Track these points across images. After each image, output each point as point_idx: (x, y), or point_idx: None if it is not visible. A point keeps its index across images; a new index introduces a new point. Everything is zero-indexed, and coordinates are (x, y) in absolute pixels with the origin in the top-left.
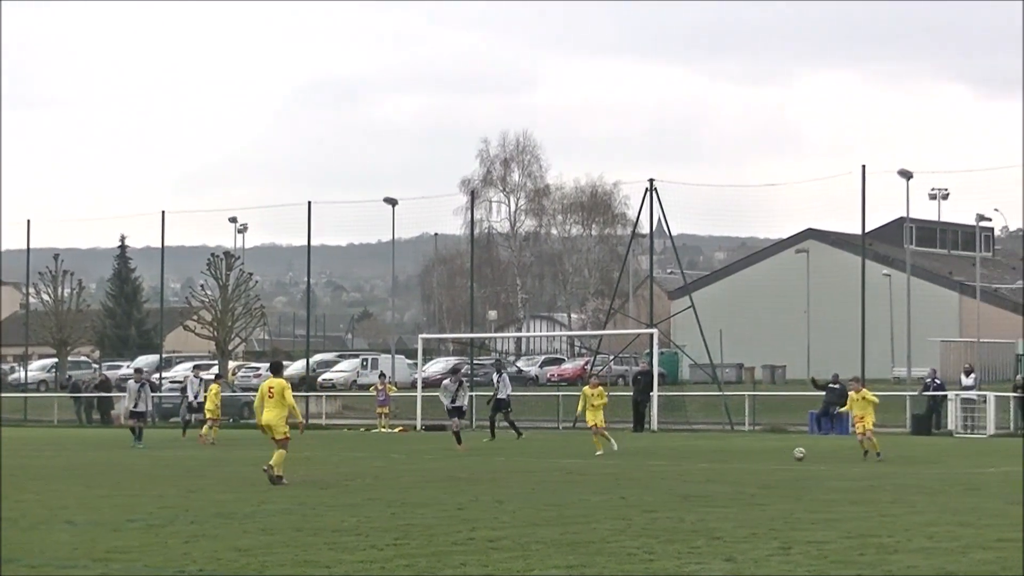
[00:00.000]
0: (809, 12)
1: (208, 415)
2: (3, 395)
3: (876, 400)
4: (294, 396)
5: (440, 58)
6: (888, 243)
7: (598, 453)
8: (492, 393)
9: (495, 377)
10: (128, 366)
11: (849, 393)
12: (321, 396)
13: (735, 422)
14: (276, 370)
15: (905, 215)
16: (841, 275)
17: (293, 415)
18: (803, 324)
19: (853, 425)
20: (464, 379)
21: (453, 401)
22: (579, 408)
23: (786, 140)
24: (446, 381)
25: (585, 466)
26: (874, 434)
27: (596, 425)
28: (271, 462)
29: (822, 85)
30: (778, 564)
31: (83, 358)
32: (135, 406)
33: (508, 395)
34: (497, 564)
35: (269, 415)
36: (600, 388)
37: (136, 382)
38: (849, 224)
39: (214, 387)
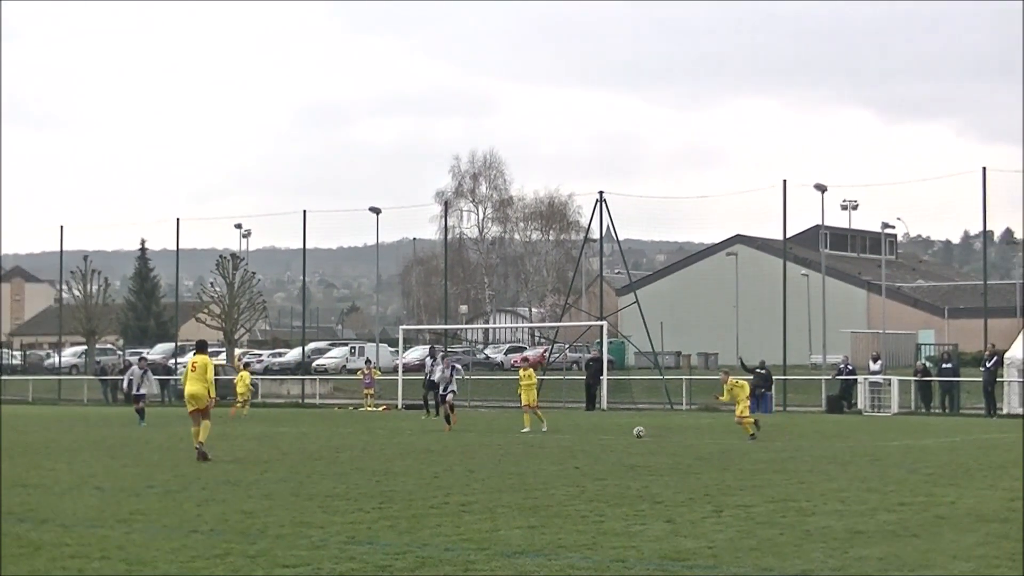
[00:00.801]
0: (731, 47)
1: (240, 396)
2: (36, 378)
3: (745, 386)
4: (291, 379)
5: (415, 86)
6: (806, 247)
7: (524, 430)
8: (426, 375)
9: (429, 362)
10: (148, 352)
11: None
12: (315, 379)
13: (674, 402)
14: (201, 348)
15: (820, 223)
16: (765, 275)
17: (210, 390)
18: (732, 317)
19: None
20: (443, 358)
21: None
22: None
23: (715, 157)
24: (435, 364)
25: (543, 440)
26: (744, 418)
27: (528, 404)
28: (200, 439)
29: (745, 110)
30: (712, 525)
31: (109, 346)
32: (137, 389)
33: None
34: (468, 525)
35: (193, 387)
36: (530, 371)
37: (139, 368)
38: (772, 230)
39: (244, 373)
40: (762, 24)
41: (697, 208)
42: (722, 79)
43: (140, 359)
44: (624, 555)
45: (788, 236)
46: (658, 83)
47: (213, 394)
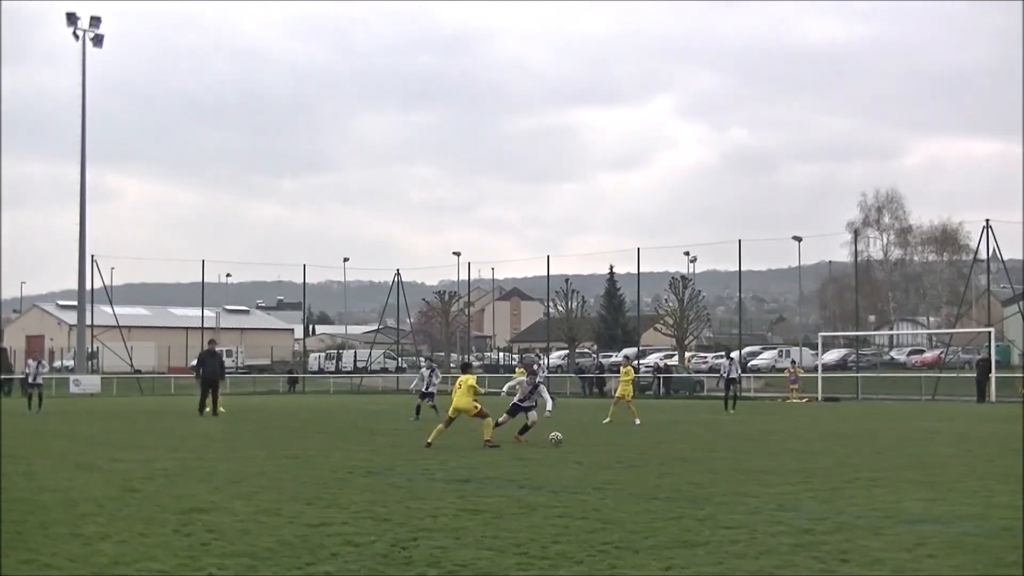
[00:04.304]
0: None
1: None
2: None
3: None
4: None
5: (828, 136)
6: None
7: (606, 420)
8: (724, 376)
9: (726, 363)
10: (615, 355)
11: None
12: (750, 376)
13: None
14: (465, 368)
15: None
16: None
17: (476, 400)
18: None
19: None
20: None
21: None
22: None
23: None
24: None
25: (938, 427)
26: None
27: (622, 396)
28: (485, 436)
29: None
30: None
31: (585, 350)
32: (426, 388)
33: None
34: (877, 497)
35: (459, 402)
36: (629, 368)
37: (427, 368)
38: None
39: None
40: None
41: None
42: None
43: (428, 359)
44: (1011, 525)
45: None
46: None
47: (478, 407)
